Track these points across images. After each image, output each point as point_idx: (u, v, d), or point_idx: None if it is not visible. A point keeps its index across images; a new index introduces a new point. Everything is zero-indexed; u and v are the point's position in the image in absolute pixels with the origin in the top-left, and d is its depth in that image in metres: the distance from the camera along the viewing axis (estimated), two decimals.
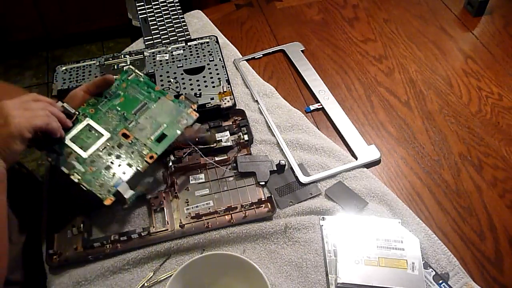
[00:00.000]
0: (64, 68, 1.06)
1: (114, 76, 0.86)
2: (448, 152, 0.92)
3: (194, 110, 0.82)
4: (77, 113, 0.81)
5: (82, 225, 0.79)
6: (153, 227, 0.79)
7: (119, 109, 0.82)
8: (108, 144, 0.78)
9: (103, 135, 0.79)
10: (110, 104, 0.83)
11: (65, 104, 0.80)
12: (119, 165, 0.76)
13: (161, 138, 0.79)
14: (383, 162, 0.91)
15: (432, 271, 0.73)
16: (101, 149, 0.78)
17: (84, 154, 0.77)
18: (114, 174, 0.76)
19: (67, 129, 0.78)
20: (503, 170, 0.89)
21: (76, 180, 0.75)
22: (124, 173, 0.76)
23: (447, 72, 1.08)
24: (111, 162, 0.77)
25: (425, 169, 0.89)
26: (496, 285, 0.74)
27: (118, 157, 0.77)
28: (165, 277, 0.74)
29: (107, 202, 0.74)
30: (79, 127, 0.79)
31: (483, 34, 1.17)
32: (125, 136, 0.79)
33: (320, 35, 1.19)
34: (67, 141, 0.78)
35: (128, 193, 0.75)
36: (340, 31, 1.20)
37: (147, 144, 0.78)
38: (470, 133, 0.95)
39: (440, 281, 0.72)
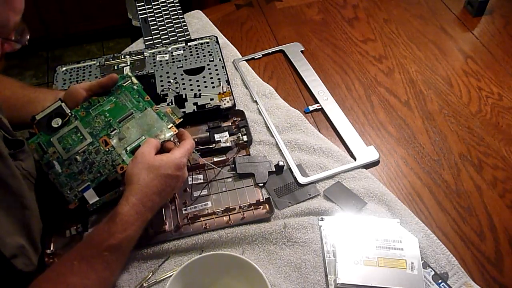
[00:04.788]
0: (64, 68, 1.06)
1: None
2: (448, 152, 0.92)
3: (176, 125, 0.82)
4: (70, 114, 0.83)
5: (80, 225, 0.79)
6: (151, 227, 0.79)
7: (107, 115, 0.83)
8: (88, 149, 0.80)
9: (86, 139, 0.81)
10: (100, 109, 0.84)
11: (62, 104, 0.83)
12: (91, 172, 0.78)
13: (136, 150, 0.79)
14: (383, 162, 0.90)
15: (431, 271, 0.73)
16: (79, 153, 0.80)
17: (65, 155, 0.80)
18: (84, 180, 0.78)
19: (57, 128, 0.82)
20: (503, 170, 0.88)
21: (51, 179, 0.78)
22: (92, 180, 0.78)
23: (447, 72, 1.08)
24: (85, 167, 0.79)
25: (425, 169, 0.89)
26: (496, 285, 0.74)
27: (92, 163, 0.79)
28: (164, 277, 0.74)
29: (71, 206, 0.77)
30: (68, 128, 0.82)
31: (483, 34, 1.17)
32: (105, 143, 0.81)
33: (320, 35, 1.19)
34: (54, 141, 0.81)
35: (92, 199, 0.78)
36: (340, 31, 1.20)
37: (121, 155, 0.79)
38: (470, 133, 0.95)
39: (439, 281, 0.72)
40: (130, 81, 0.87)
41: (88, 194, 0.77)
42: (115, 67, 1.05)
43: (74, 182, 0.78)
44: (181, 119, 0.83)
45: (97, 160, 0.79)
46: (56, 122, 0.82)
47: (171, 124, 0.82)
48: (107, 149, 0.80)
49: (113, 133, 0.81)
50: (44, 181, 0.81)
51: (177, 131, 0.82)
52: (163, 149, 0.78)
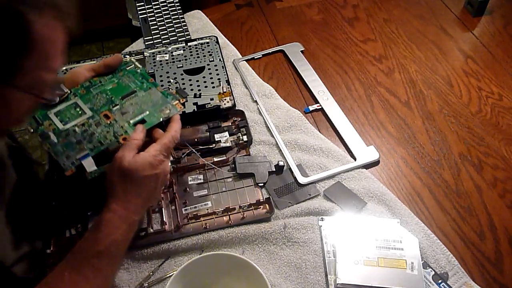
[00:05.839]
0: (64, 68, 1.06)
1: None
2: (448, 152, 0.92)
3: (181, 103, 0.80)
4: (68, 92, 0.80)
5: (80, 225, 0.79)
6: (151, 227, 0.79)
7: (109, 93, 0.81)
8: (87, 121, 0.77)
9: (85, 113, 0.78)
10: (102, 88, 0.81)
11: (61, 85, 0.80)
12: (90, 142, 0.75)
13: (140, 123, 0.77)
14: (383, 162, 0.90)
15: (431, 271, 0.73)
16: (78, 125, 0.77)
17: (61, 127, 0.76)
18: (82, 148, 0.75)
19: (55, 104, 0.78)
20: (503, 170, 0.88)
21: (46, 148, 0.75)
22: (92, 149, 0.75)
23: (447, 72, 1.08)
24: (84, 138, 0.76)
25: (425, 169, 0.89)
26: (496, 285, 0.74)
27: (92, 134, 0.76)
28: (164, 277, 0.74)
29: (68, 173, 0.73)
30: (66, 104, 0.79)
31: (483, 34, 1.17)
32: (106, 117, 0.78)
33: (320, 35, 1.19)
34: (50, 114, 0.78)
35: (91, 168, 0.74)
36: (340, 31, 1.20)
37: (123, 127, 0.77)
38: (470, 133, 0.95)
39: (440, 281, 0.72)
40: (133, 65, 0.86)
41: (86, 162, 0.73)
42: None
43: (72, 151, 0.74)
44: (186, 100, 0.81)
45: (98, 131, 0.76)
46: None
47: (177, 101, 0.80)
48: (109, 122, 0.77)
49: (115, 108, 0.79)
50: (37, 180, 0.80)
51: (182, 108, 0.79)
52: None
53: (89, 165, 0.74)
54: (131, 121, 0.77)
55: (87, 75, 0.83)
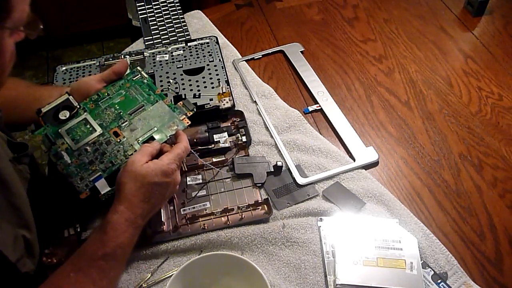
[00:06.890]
0: (64, 68, 1.06)
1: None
2: (448, 152, 0.92)
3: (188, 117, 0.82)
4: (78, 107, 0.81)
5: (78, 225, 0.79)
6: (150, 228, 0.79)
7: (117, 107, 0.82)
8: (98, 139, 0.79)
9: (96, 130, 0.80)
10: (110, 102, 0.83)
11: (70, 97, 0.81)
12: (102, 162, 0.77)
13: (148, 141, 0.79)
14: (383, 162, 0.90)
15: (430, 271, 0.73)
16: (89, 143, 0.79)
17: (74, 146, 0.78)
18: (95, 169, 0.77)
19: (65, 120, 0.80)
20: (503, 170, 0.88)
21: (60, 170, 0.77)
22: (104, 170, 0.77)
23: (447, 72, 1.08)
24: (96, 158, 0.78)
25: (425, 169, 0.89)
26: (496, 285, 0.74)
27: (103, 153, 0.78)
28: (163, 278, 0.74)
29: (83, 195, 0.75)
30: (76, 120, 0.81)
31: (483, 34, 1.17)
32: (116, 134, 0.80)
33: (320, 35, 1.19)
34: (62, 132, 0.79)
35: (104, 189, 0.76)
36: (340, 31, 1.20)
37: (133, 145, 0.79)
38: (470, 133, 0.95)
39: (439, 281, 0.72)
40: (140, 75, 0.87)
41: (99, 184, 0.75)
42: None
43: (85, 172, 0.76)
44: (193, 112, 0.83)
45: (108, 150, 0.78)
46: (64, 114, 0.80)
47: (183, 116, 0.81)
48: (119, 140, 0.79)
49: (123, 124, 0.81)
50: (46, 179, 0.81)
51: (189, 122, 0.81)
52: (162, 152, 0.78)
53: (102, 186, 0.76)
54: (140, 139, 0.79)
55: (98, 87, 0.84)
